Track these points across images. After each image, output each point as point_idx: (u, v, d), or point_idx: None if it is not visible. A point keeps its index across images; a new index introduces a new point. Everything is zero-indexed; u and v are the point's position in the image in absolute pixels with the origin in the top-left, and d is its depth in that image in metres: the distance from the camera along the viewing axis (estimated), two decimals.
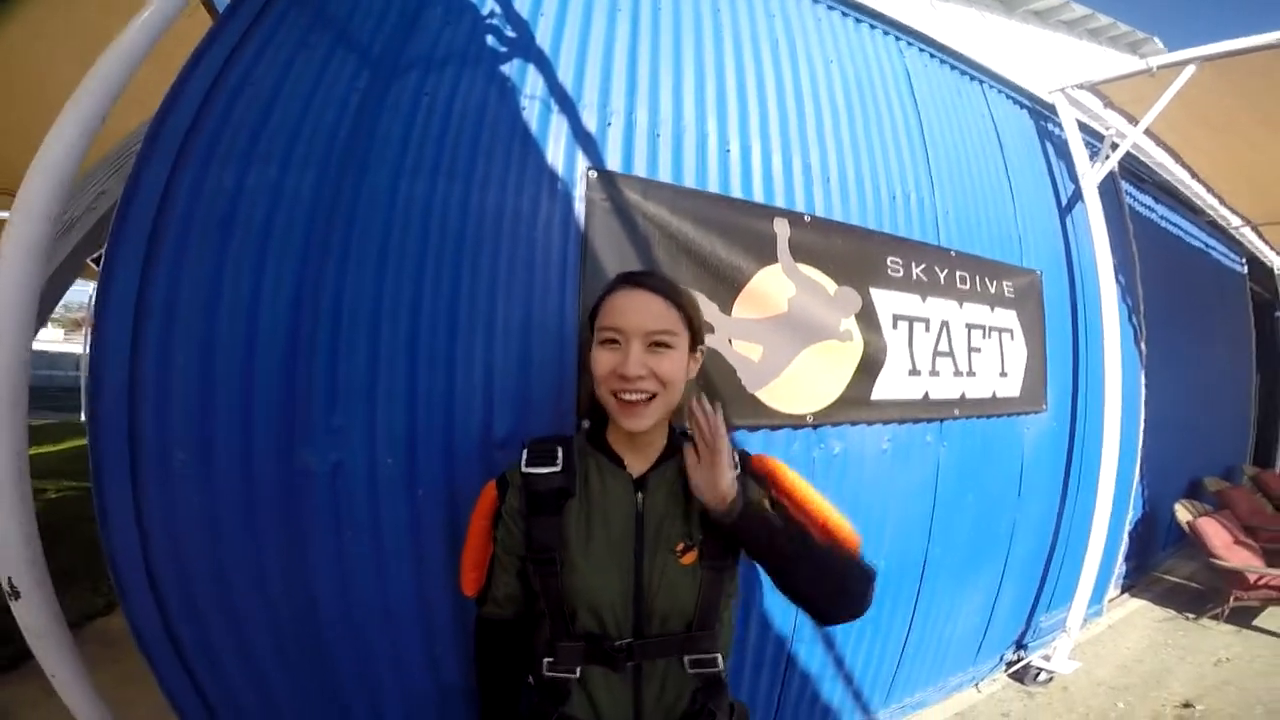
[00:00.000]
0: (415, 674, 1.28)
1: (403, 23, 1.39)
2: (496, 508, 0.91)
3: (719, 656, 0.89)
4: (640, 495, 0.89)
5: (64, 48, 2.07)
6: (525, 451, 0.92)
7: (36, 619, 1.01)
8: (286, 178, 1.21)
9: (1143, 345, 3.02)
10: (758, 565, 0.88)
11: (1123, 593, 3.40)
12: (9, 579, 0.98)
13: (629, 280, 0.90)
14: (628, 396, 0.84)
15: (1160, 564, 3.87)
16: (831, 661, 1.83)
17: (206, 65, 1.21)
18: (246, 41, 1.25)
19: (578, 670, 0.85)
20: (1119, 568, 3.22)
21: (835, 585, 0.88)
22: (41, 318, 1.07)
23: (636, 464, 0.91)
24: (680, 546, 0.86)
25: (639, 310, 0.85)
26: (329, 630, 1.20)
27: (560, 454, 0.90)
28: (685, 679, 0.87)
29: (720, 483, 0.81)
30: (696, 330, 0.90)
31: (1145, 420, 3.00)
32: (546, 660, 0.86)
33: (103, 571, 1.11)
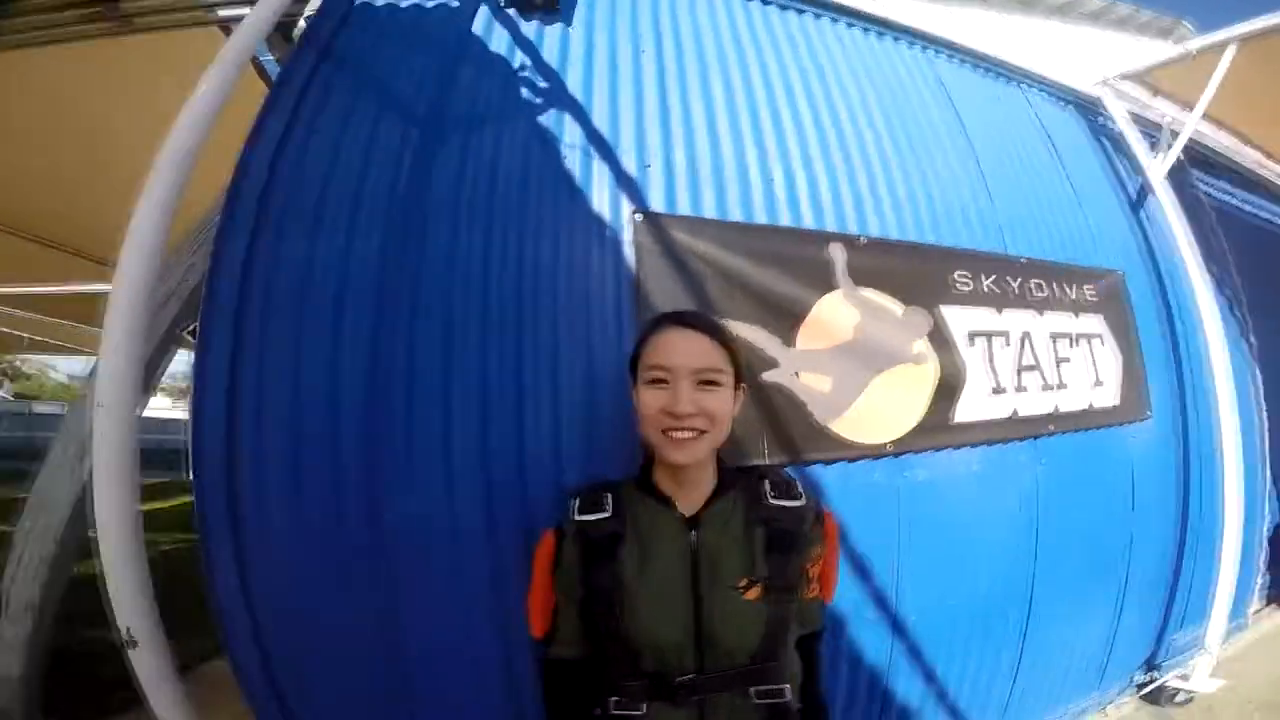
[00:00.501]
0: (498, 714, 1.27)
1: (441, 82, 1.44)
2: (555, 556, 0.93)
3: (786, 687, 0.87)
4: (694, 533, 0.89)
5: (120, 104, 2.25)
6: (576, 501, 0.94)
7: (151, 667, 1.07)
8: (354, 244, 1.26)
9: (1251, 339, 2.75)
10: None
11: (1269, 604, 2.99)
12: (128, 629, 1.04)
13: (673, 320, 0.91)
14: (678, 435, 0.85)
15: None
16: (933, 695, 1.68)
17: (269, 135, 1.28)
18: (301, 109, 1.32)
19: (644, 707, 0.85)
20: (1260, 578, 2.86)
21: None
22: (147, 387, 1.15)
23: (686, 503, 0.91)
24: (744, 582, 0.86)
25: (686, 349, 0.86)
26: (419, 671, 1.22)
27: (610, 500, 0.92)
28: (751, 710, 0.86)
29: None
30: (740, 366, 0.91)
31: (1268, 417, 2.72)
32: (613, 700, 0.86)
33: (209, 619, 1.18)
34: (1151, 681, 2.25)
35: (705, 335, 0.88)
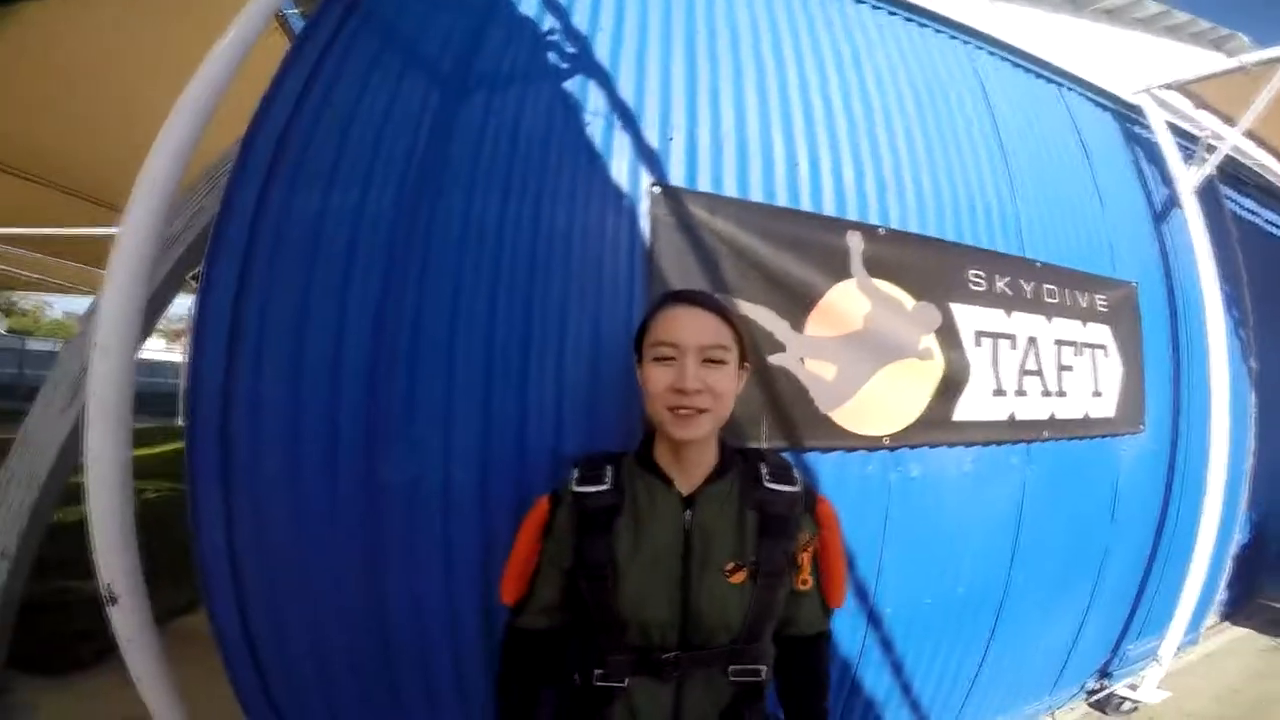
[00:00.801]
0: (475, 680, 1.28)
1: (468, 41, 1.42)
2: (547, 522, 0.93)
3: (764, 668, 0.89)
4: (689, 513, 0.89)
5: (146, 58, 2.26)
6: (576, 470, 0.94)
7: (130, 625, 1.06)
8: (368, 198, 1.25)
9: (1252, 362, 2.75)
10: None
11: (1222, 620, 3.10)
12: (108, 585, 1.03)
13: (679, 298, 0.92)
14: (684, 411, 0.85)
15: (1267, 590, 3.49)
16: (899, 687, 1.73)
17: (289, 87, 1.26)
18: (324, 62, 1.30)
19: (626, 681, 0.86)
20: (1220, 594, 2.95)
21: None
22: (146, 331, 1.15)
23: (685, 482, 0.91)
24: (730, 566, 0.86)
25: (693, 326, 0.87)
26: (400, 629, 1.22)
27: (609, 472, 0.92)
28: (725, 686, 0.88)
29: None
30: (744, 345, 0.92)
31: (1256, 440, 2.73)
32: (597, 671, 0.87)
33: (188, 571, 1.17)
34: (1102, 689, 2.31)
35: (711, 313, 0.88)
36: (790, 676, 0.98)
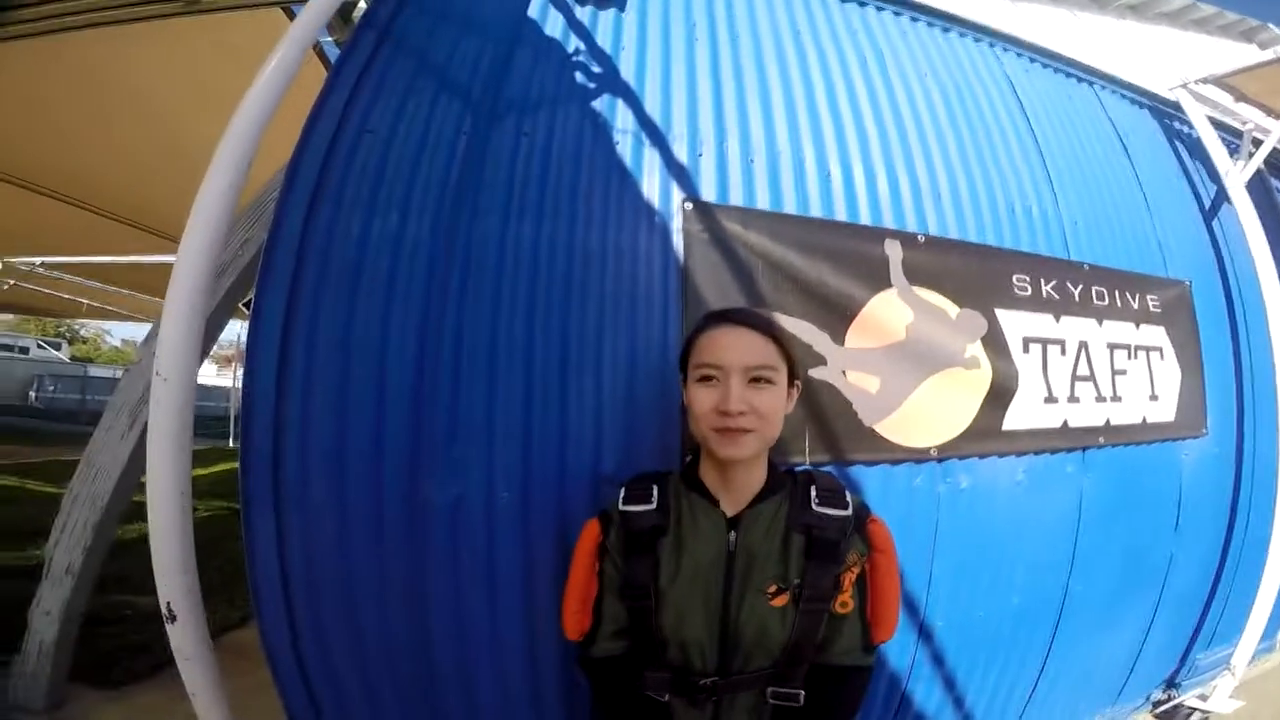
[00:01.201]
0: (519, 706, 1.27)
1: (496, 65, 1.44)
2: (601, 542, 0.92)
3: (802, 693, 0.86)
4: (733, 534, 0.87)
5: (181, 86, 2.38)
6: (622, 490, 0.93)
7: (187, 643, 1.07)
8: (407, 224, 1.27)
9: None
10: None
11: None
12: (168, 604, 1.05)
13: (724, 317, 0.90)
14: (728, 431, 0.83)
15: None
16: (951, 701, 1.66)
17: (328, 114, 1.29)
18: (360, 89, 1.33)
19: (665, 696, 0.86)
20: None
21: None
22: (200, 358, 1.18)
23: (730, 502, 0.90)
24: (772, 588, 0.84)
25: (737, 346, 0.85)
26: (441, 654, 1.22)
27: (655, 492, 0.91)
28: (763, 708, 0.87)
29: None
30: (794, 364, 0.90)
31: None
32: (638, 683, 0.88)
33: (240, 587, 1.16)
34: (1169, 700, 2.21)
35: (757, 332, 0.86)
36: (810, 706, 0.89)
